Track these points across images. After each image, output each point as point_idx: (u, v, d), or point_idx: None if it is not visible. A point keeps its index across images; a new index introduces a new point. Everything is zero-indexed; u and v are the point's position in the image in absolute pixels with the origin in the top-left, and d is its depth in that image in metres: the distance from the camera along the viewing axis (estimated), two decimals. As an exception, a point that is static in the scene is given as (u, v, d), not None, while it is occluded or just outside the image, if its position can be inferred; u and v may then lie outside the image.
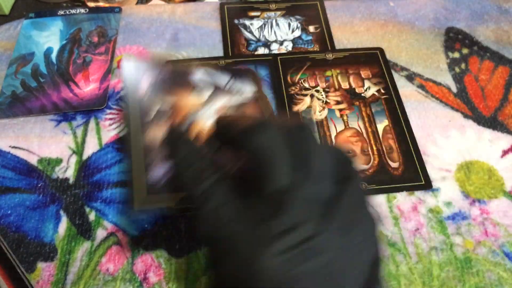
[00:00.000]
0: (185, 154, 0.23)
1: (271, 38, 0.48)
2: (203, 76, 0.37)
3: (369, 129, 0.41)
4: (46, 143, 0.40)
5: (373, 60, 0.46)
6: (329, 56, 0.46)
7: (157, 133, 0.34)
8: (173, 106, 0.35)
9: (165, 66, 0.37)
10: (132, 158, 0.34)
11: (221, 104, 0.36)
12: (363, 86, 0.44)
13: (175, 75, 0.37)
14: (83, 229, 0.35)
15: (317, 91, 0.43)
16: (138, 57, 0.36)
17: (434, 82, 0.45)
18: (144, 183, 0.33)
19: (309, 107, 0.42)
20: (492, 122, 0.42)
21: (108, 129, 0.41)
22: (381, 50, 0.47)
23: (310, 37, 0.48)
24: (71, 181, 0.38)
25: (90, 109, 0.42)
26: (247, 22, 0.49)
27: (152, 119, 0.35)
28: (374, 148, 0.40)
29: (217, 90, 0.36)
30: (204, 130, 0.34)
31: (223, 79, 0.37)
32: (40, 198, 0.37)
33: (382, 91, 0.44)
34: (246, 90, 0.37)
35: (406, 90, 0.44)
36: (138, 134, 0.35)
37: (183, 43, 0.47)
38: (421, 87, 0.45)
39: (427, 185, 0.38)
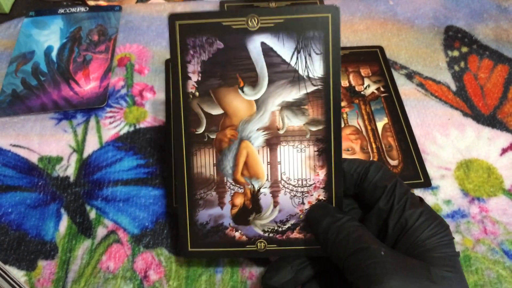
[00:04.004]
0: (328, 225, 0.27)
1: (271, 36, 0.48)
2: (258, 55, 0.28)
3: (369, 127, 0.41)
4: (46, 141, 0.40)
5: (372, 58, 0.46)
6: (329, 54, 0.46)
7: (207, 159, 0.29)
8: (224, 111, 0.29)
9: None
10: (177, 189, 0.30)
11: (276, 106, 0.29)
12: (363, 84, 0.44)
13: (227, 51, 0.28)
14: (83, 227, 0.35)
15: (317, 89, 0.43)
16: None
17: (434, 80, 0.45)
18: (194, 223, 0.30)
19: (309, 105, 0.42)
20: (491, 121, 0.42)
21: (108, 127, 0.41)
22: (380, 49, 0.47)
23: (310, 36, 0.48)
24: (71, 179, 0.38)
25: (91, 107, 0.42)
26: (247, 21, 0.49)
27: (202, 132, 0.29)
28: (374, 146, 0.40)
29: (272, 83, 0.28)
30: (252, 153, 0.29)
31: (286, 51, 0.28)
32: (41, 197, 0.37)
33: (382, 89, 0.44)
34: (315, 69, 0.27)
35: (406, 88, 0.44)
36: (181, 158, 0.29)
37: (183, 42, 0.47)
38: (421, 85, 0.45)
39: (426, 183, 0.38)
